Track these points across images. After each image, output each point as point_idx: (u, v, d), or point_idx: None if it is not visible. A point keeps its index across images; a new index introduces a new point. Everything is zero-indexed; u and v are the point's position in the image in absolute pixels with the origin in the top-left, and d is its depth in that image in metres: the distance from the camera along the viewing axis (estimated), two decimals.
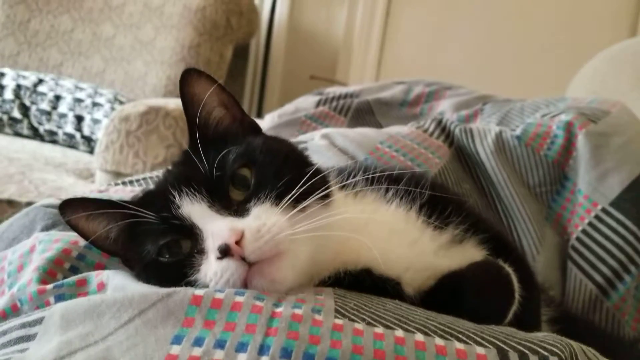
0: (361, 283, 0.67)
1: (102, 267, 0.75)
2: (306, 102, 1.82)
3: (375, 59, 3.43)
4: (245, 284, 0.59)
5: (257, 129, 0.77)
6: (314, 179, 0.65)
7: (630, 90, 1.64)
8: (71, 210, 0.69)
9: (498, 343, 0.55)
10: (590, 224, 1.18)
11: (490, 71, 3.06)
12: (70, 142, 2.73)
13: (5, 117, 2.75)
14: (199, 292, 0.54)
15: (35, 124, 2.75)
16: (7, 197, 1.96)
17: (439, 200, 0.76)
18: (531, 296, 0.74)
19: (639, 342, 1.10)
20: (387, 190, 0.76)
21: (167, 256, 0.65)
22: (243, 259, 0.59)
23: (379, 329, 0.54)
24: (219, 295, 0.54)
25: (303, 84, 3.36)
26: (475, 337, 0.55)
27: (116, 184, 1.00)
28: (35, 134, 2.77)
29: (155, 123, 2.22)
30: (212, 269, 0.60)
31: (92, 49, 3.10)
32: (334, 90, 1.90)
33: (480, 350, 0.53)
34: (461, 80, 2.29)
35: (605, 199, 1.18)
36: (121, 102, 2.70)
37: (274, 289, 0.59)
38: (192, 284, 0.62)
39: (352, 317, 0.55)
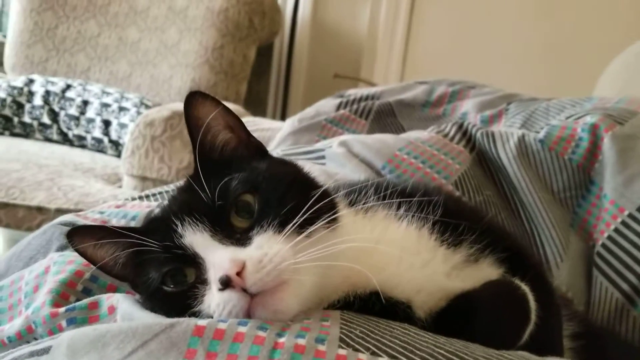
0: (371, 307, 0.66)
1: (115, 289, 0.75)
2: (327, 106, 1.80)
3: (400, 55, 3.39)
4: (248, 315, 0.58)
5: (263, 151, 0.76)
6: (320, 203, 0.64)
7: None
8: (79, 239, 0.69)
9: None
10: (616, 230, 1.14)
11: (516, 68, 2.99)
12: (98, 147, 2.78)
13: (35, 123, 2.81)
14: (202, 322, 0.54)
15: (65, 129, 2.80)
16: (36, 204, 2.00)
17: (453, 216, 0.74)
18: (550, 316, 0.72)
19: None
20: (399, 207, 0.74)
21: (171, 285, 0.64)
22: (245, 290, 0.58)
23: (383, 359, 0.53)
24: (222, 326, 0.54)
25: (327, 83, 3.34)
26: None
27: (133, 199, 1.01)
28: (65, 139, 2.82)
29: (179, 128, 2.24)
30: (214, 300, 0.60)
31: (119, 53, 3.14)
32: (354, 93, 1.88)
33: None
34: (487, 76, 2.26)
35: (632, 204, 1.14)
36: (147, 106, 2.73)
37: (277, 319, 0.58)
38: (196, 314, 0.61)
39: (357, 346, 0.54)
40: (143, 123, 2.26)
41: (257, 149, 0.75)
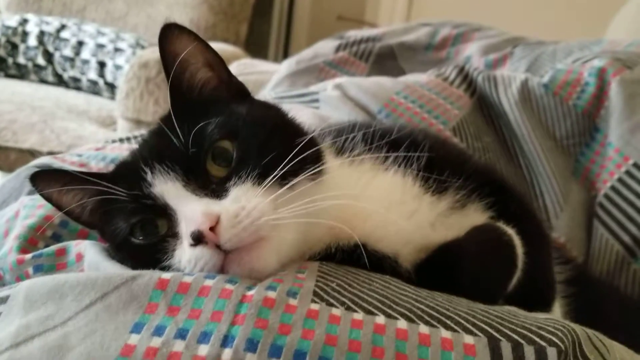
0: (355, 259, 0.62)
1: (85, 235, 0.72)
2: (325, 47, 1.73)
3: None
4: (222, 272, 0.54)
5: (245, 94, 0.70)
6: (305, 153, 0.59)
7: None
8: (43, 184, 0.64)
9: (490, 330, 0.50)
10: (620, 179, 1.10)
11: (525, 8, 2.88)
12: (93, 89, 2.72)
13: (30, 64, 2.74)
14: (166, 275, 0.50)
15: (60, 71, 2.73)
16: (28, 146, 1.96)
17: (438, 162, 0.70)
18: (538, 251, 0.69)
19: None
20: (386, 158, 0.69)
21: (140, 237, 0.59)
22: (218, 246, 0.53)
23: (358, 315, 0.49)
24: (187, 279, 0.50)
25: (331, 25, 3.24)
26: (465, 323, 0.50)
27: (113, 141, 0.96)
28: (60, 81, 2.76)
29: None
30: (185, 255, 0.55)
31: None
32: (355, 34, 1.80)
33: (468, 339, 0.48)
34: (494, 20, 2.16)
35: (638, 152, 1.10)
36: (143, 47, 2.65)
37: (253, 277, 0.54)
38: (165, 269, 0.56)
39: (331, 300, 0.51)
40: (137, 64, 2.19)
41: (239, 91, 0.70)
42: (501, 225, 0.67)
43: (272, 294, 0.49)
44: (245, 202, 0.55)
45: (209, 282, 0.50)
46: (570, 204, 1.12)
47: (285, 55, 3.48)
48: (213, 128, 0.60)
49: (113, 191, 0.59)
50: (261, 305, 0.48)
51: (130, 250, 0.60)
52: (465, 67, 1.28)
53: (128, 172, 0.62)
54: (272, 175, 0.57)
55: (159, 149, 0.61)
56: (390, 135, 0.70)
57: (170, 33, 0.63)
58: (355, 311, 0.50)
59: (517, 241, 0.66)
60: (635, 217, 1.06)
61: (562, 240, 1.10)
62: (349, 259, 0.63)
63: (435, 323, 0.50)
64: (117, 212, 0.61)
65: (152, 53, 2.23)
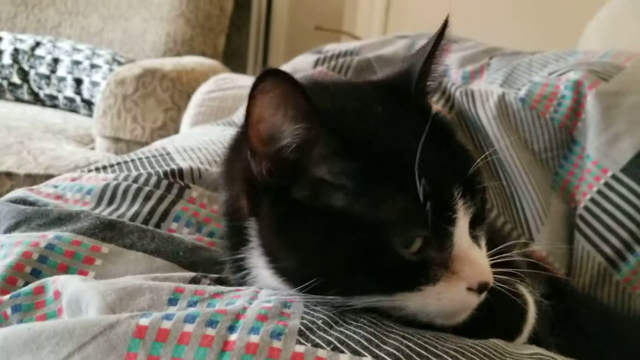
0: None
1: (65, 269, 0.70)
2: (304, 62, 1.73)
3: (382, 7, 3.28)
4: None
5: None
6: None
7: None
8: (280, 85, 0.52)
9: None
10: (599, 191, 1.10)
11: (500, 20, 2.91)
12: (70, 106, 2.68)
13: (5, 83, 2.70)
14: (144, 321, 0.49)
15: (36, 89, 2.70)
16: (5, 169, 1.93)
17: None
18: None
19: None
20: None
21: (402, 247, 0.53)
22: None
23: (345, 357, 0.49)
24: (166, 325, 0.49)
25: (309, 36, 3.24)
26: None
27: (89, 170, 0.95)
28: (37, 99, 2.73)
29: (152, 86, 2.16)
30: (453, 294, 0.55)
31: (90, 7, 3.01)
32: (333, 48, 1.80)
33: None
34: (471, 28, 2.17)
35: (616, 165, 1.10)
36: (120, 63, 2.63)
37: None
38: (412, 289, 0.54)
39: (317, 340, 0.50)
40: (114, 81, 2.17)
41: None
42: (520, 286, 0.68)
43: (254, 338, 0.48)
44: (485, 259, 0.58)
45: (188, 328, 0.49)
46: (550, 216, 1.13)
47: (265, 65, 3.47)
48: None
49: (417, 184, 0.52)
50: (244, 353, 0.47)
51: (368, 252, 0.53)
52: (443, 82, 1.29)
53: (426, 173, 0.53)
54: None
55: (454, 164, 0.57)
56: None
57: None
58: (342, 352, 0.49)
59: (531, 307, 0.67)
60: (616, 229, 1.07)
61: (543, 253, 1.10)
62: None
63: None
64: (385, 200, 0.53)
65: (129, 70, 2.21)
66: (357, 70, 1.69)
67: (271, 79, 0.51)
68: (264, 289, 0.61)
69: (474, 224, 0.58)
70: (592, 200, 1.11)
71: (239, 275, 0.65)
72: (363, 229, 0.53)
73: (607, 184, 1.10)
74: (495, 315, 0.63)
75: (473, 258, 0.56)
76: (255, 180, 0.57)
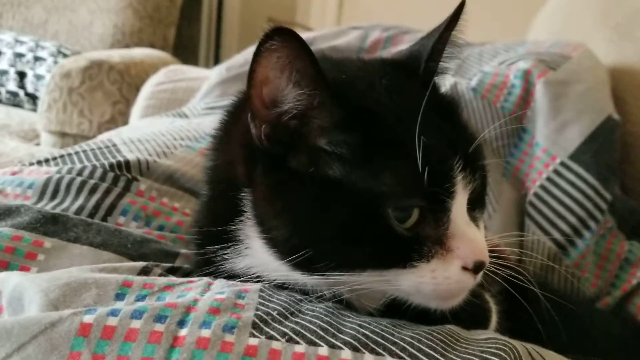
0: None
1: (6, 265, 0.66)
2: None
3: None
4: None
5: None
6: None
7: (595, 30, 1.56)
8: (289, 43, 0.50)
9: (436, 356, 0.49)
10: (548, 178, 1.13)
11: (451, 10, 2.93)
12: (14, 101, 2.58)
13: None
14: (88, 318, 0.47)
15: None
16: None
17: None
18: None
19: (598, 301, 1.07)
20: None
21: (397, 220, 0.52)
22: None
23: (300, 347, 0.47)
24: (112, 322, 0.47)
25: (261, 27, 3.21)
26: (411, 348, 0.49)
27: (31, 164, 0.90)
28: None
29: (99, 78, 2.09)
30: (448, 272, 0.54)
31: None
32: None
33: None
34: (423, 20, 2.19)
35: (565, 151, 1.13)
36: (65, 55, 2.54)
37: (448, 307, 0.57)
38: (406, 265, 0.53)
39: (271, 332, 0.49)
40: (59, 74, 2.10)
41: None
42: (486, 295, 0.69)
43: (206, 332, 0.47)
44: (483, 237, 0.57)
45: (135, 324, 0.47)
46: (502, 204, 1.15)
47: (216, 59, 3.42)
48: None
49: (416, 153, 0.51)
50: (194, 348, 0.45)
51: (363, 224, 0.52)
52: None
53: (427, 142, 0.52)
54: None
55: (457, 138, 0.56)
56: None
57: None
58: (298, 342, 0.48)
59: (494, 316, 0.68)
60: (565, 215, 1.09)
61: (496, 240, 1.12)
62: None
63: (380, 350, 0.49)
64: (384, 170, 0.52)
65: (74, 62, 2.13)
66: None
67: (279, 37, 0.50)
68: (217, 280, 0.59)
69: (474, 205, 0.58)
70: (542, 187, 1.13)
71: (221, 250, 0.62)
72: (359, 199, 0.52)
73: (555, 171, 1.12)
74: (462, 320, 0.62)
75: (470, 236, 0.55)
76: (253, 145, 0.56)
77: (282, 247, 0.56)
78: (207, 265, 0.63)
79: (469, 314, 0.63)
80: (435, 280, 0.54)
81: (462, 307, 0.62)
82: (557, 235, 1.09)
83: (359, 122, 0.54)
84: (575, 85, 1.19)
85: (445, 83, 1.22)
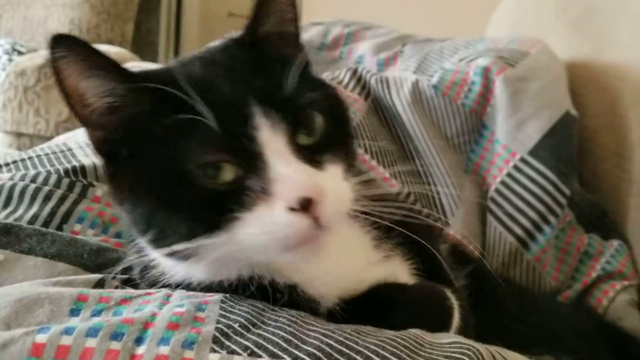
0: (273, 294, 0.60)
1: None
2: None
3: None
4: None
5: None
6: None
7: (551, 24, 1.59)
8: (66, 51, 0.53)
9: None
10: (508, 174, 1.14)
11: (411, 7, 2.95)
12: None
13: None
14: (41, 338, 0.45)
15: None
16: None
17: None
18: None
19: (559, 294, 1.10)
20: None
21: (210, 179, 0.53)
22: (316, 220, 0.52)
23: None
24: (66, 341, 0.45)
25: (221, 22, 3.18)
26: (375, 356, 0.49)
27: None
28: None
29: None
30: (273, 217, 0.51)
31: None
32: None
33: None
34: (385, 15, 2.19)
35: (524, 148, 1.15)
36: (20, 53, 2.46)
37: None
38: (226, 221, 0.52)
39: (232, 346, 0.48)
40: (13, 73, 2.04)
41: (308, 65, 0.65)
42: (447, 291, 0.67)
43: (164, 350, 0.46)
44: (340, 184, 0.56)
45: (91, 343, 0.46)
46: (464, 200, 1.16)
47: (176, 54, 3.37)
48: (315, 96, 0.58)
49: (200, 111, 0.52)
50: None
51: (180, 189, 0.53)
52: (359, 69, 1.28)
53: (218, 97, 0.54)
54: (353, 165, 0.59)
55: (261, 87, 0.56)
56: None
57: None
58: (260, 356, 0.48)
59: (456, 311, 0.66)
60: (525, 210, 1.11)
61: (459, 236, 1.13)
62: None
63: None
64: (185, 137, 0.53)
65: (29, 60, 2.08)
66: None
67: (62, 45, 0.53)
68: (177, 290, 0.58)
69: (319, 148, 0.57)
70: (502, 182, 1.14)
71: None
72: (171, 168, 0.54)
73: (515, 167, 1.14)
74: (424, 318, 0.63)
75: (291, 175, 0.53)
76: (100, 152, 0.59)
77: (141, 234, 0.57)
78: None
79: (430, 311, 0.64)
80: (265, 228, 0.52)
81: (421, 305, 0.63)
82: (518, 230, 1.10)
83: (161, 101, 0.55)
84: (533, 82, 1.20)
85: (407, 81, 1.22)
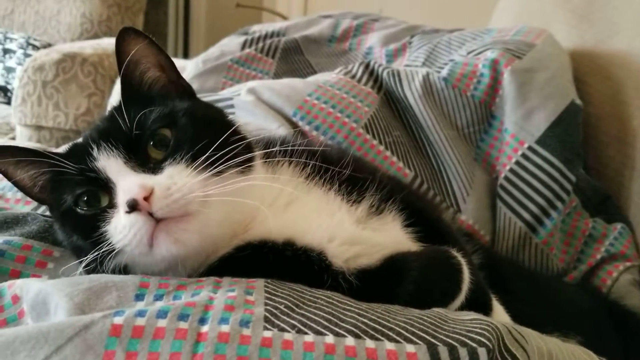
0: (286, 259, 0.68)
1: (18, 274, 0.71)
2: (231, 45, 1.73)
3: None
4: (151, 241, 0.62)
5: (191, 94, 0.79)
6: (235, 145, 0.67)
7: (554, 13, 1.63)
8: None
9: (428, 338, 0.56)
10: (517, 162, 1.20)
11: None
12: None
13: None
14: (118, 320, 0.52)
15: None
16: None
17: (352, 174, 0.77)
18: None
19: (565, 275, 1.16)
20: (305, 165, 0.76)
21: (84, 208, 0.67)
22: (151, 215, 0.61)
23: (309, 337, 0.53)
24: (140, 322, 0.52)
25: (229, 13, 3.21)
26: (405, 332, 0.56)
27: None
28: None
29: (73, 71, 2.10)
30: (121, 222, 0.63)
31: None
32: (259, 29, 1.82)
33: (410, 348, 0.54)
34: (391, 6, 2.24)
35: (532, 137, 1.20)
36: (35, 47, 2.52)
37: (176, 250, 0.63)
38: (102, 236, 0.64)
39: (282, 325, 0.55)
40: (32, 68, 2.09)
41: (185, 91, 0.79)
42: (452, 251, 0.73)
43: (225, 328, 0.52)
44: (177, 179, 0.64)
45: (162, 323, 0.52)
46: (475, 187, 1.22)
47: (186, 45, 3.42)
48: (156, 117, 0.69)
49: (63, 165, 0.67)
50: (217, 342, 0.51)
51: (73, 220, 0.69)
52: (371, 63, 1.34)
53: (77, 150, 0.71)
54: (203, 158, 0.65)
55: (107, 130, 0.70)
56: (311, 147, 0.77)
57: (126, 35, 0.72)
58: (306, 333, 0.54)
59: (465, 268, 0.71)
60: (534, 196, 1.17)
61: (470, 222, 1.19)
62: (280, 259, 0.68)
63: (379, 336, 0.55)
64: (65, 185, 0.69)
65: (47, 55, 2.13)
66: (285, 50, 1.72)
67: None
68: (224, 278, 0.65)
69: (167, 157, 0.66)
70: (511, 170, 1.20)
71: None
72: (63, 208, 0.69)
73: (524, 155, 1.20)
74: (434, 280, 0.69)
75: (123, 185, 0.64)
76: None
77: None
78: None
79: (438, 274, 0.70)
80: (122, 234, 0.63)
81: (428, 269, 0.69)
82: (526, 215, 1.16)
83: (62, 177, 0.69)
84: (540, 73, 1.26)
85: (418, 74, 1.27)
